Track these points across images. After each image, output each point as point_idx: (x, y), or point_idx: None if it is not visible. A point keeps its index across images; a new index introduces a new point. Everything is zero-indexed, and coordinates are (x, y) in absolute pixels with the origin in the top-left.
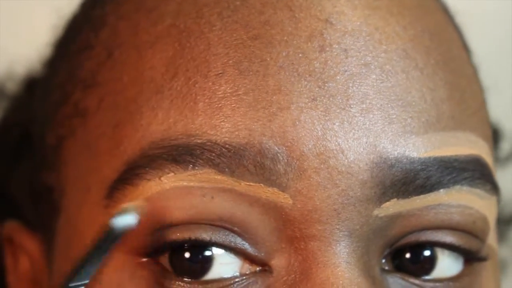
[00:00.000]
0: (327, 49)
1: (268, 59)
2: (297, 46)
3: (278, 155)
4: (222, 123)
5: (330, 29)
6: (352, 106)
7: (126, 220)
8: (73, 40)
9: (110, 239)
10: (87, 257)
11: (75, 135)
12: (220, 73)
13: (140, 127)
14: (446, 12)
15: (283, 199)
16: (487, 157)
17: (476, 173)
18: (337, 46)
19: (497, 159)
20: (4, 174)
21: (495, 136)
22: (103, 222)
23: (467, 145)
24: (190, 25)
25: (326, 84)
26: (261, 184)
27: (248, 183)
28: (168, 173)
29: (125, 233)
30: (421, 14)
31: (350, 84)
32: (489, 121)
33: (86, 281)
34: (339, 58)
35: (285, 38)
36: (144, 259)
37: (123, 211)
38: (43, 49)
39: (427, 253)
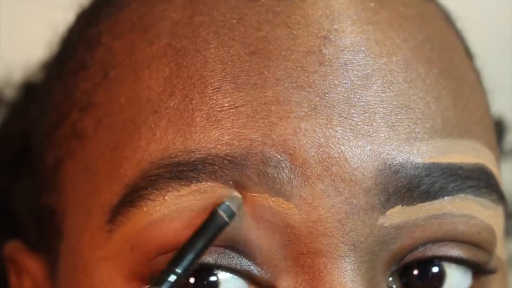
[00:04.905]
0: (327, 63)
1: (266, 73)
2: (295, 60)
3: (281, 162)
4: (221, 135)
5: (328, 46)
6: (354, 115)
7: (231, 208)
8: (68, 59)
9: (214, 226)
10: (190, 243)
11: (74, 157)
12: (217, 88)
13: (139, 148)
14: (447, 19)
15: (288, 209)
16: (493, 166)
17: (481, 182)
18: (336, 61)
19: (502, 152)
20: (5, 187)
21: (499, 128)
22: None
23: (472, 153)
24: (186, 45)
25: (326, 95)
26: (266, 195)
27: (253, 194)
28: (172, 191)
29: (231, 221)
30: (422, 24)
31: (352, 95)
32: (493, 129)
33: (188, 269)
34: (339, 72)
35: (283, 53)
36: (148, 286)
37: (229, 200)
38: (41, 55)
39: (435, 269)
